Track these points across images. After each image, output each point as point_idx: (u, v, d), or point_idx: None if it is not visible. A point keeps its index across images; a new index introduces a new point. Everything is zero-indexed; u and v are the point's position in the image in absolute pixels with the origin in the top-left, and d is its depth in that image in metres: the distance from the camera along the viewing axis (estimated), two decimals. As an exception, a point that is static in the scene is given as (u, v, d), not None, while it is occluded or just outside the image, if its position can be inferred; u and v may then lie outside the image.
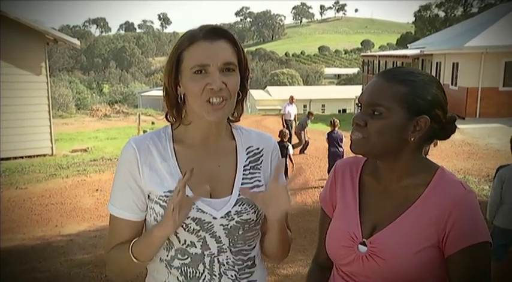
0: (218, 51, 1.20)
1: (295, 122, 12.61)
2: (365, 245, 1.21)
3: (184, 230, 1.23)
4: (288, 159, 7.76)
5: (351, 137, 1.21)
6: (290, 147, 8.13)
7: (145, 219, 1.31)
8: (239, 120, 1.38)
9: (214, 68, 1.20)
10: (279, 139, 7.83)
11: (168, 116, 1.32)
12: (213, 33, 1.22)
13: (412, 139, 1.17)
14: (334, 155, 7.99)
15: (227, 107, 1.23)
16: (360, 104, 1.22)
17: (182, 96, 1.27)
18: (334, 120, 8.47)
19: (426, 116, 1.16)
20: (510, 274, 3.65)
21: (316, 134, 12.75)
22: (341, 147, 8.19)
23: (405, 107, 1.15)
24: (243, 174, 1.31)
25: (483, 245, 1.14)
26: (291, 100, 12.95)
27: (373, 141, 1.16)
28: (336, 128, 8.32)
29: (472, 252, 1.13)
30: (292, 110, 12.79)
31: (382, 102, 1.15)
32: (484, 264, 1.16)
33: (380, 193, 1.26)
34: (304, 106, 35.51)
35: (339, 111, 35.33)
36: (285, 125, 12.39)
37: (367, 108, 1.18)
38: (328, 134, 8.41)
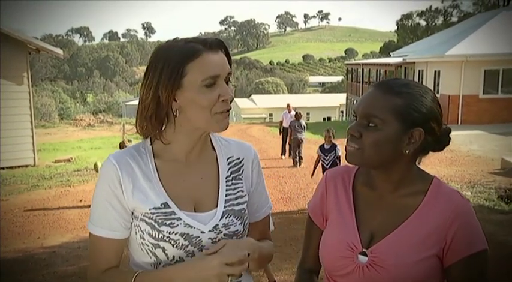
0: (223, 61, 1.21)
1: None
2: (365, 255, 1.20)
3: (173, 246, 1.20)
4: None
5: (345, 148, 1.20)
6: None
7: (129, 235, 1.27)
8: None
9: (222, 79, 1.20)
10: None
11: (147, 134, 1.24)
12: (215, 44, 1.22)
13: (407, 151, 1.17)
14: None
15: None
16: (355, 115, 1.21)
17: (174, 111, 1.19)
18: None
19: (421, 129, 1.16)
20: None
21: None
22: None
23: (400, 119, 1.15)
24: (226, 185, 1.30)
25: (482, 253, 1.16)
26: (288, 108, 12.21)
27: (368, 153, 1.16)
28: None
29: (473, 261, 1.15)
30: (290, 119, 11.88)
31: (377, 113, 1.14)
32: (484, 272, 1.18)
33: (375, 202, 1.25)
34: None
35: (324, 119, 35.60)
36: (282, 134, 12.16)
37: (362, 119, 1.17)
38: None
